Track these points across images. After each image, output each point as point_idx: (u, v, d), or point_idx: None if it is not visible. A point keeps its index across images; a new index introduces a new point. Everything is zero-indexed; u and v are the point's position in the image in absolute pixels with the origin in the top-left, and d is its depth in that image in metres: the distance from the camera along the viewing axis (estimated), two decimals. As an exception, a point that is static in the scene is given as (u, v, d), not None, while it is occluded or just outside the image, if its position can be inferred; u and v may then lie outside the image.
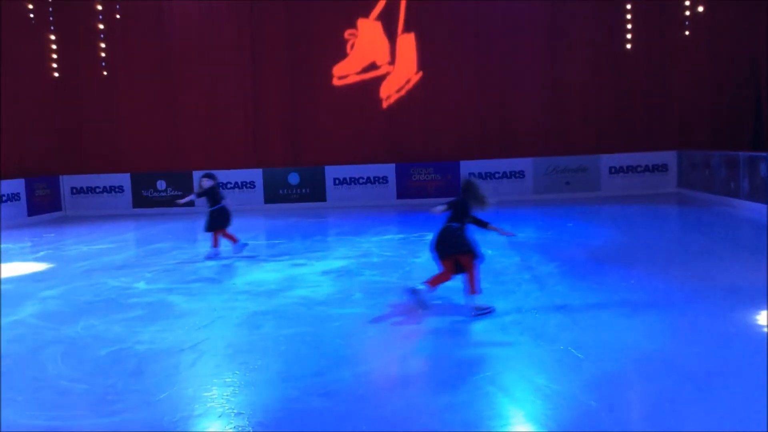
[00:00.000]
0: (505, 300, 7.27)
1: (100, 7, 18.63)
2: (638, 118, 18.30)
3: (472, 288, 6.61)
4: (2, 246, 12.82)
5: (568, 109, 18.49)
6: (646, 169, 17.96)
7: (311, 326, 6.56)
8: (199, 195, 10.76)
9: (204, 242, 12.63)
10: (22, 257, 11.83)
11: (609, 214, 14.56)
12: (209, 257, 10.49)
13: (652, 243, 10.93)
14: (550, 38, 18.51)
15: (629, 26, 18.22)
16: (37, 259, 11.64)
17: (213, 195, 10.55)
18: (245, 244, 10.71)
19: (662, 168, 17.94)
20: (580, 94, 18.47)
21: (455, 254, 6.63)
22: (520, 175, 18.17)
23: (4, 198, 15.88)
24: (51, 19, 18.30)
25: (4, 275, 9.84)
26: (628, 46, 18.27)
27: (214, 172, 11.13)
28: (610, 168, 17.99)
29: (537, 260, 9.40)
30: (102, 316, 7.28)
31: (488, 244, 10.84)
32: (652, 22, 18.14)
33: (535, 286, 7.90)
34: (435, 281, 6.79)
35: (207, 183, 10.57)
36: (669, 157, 17.91)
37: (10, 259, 11.39)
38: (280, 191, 18.54)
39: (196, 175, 18.43)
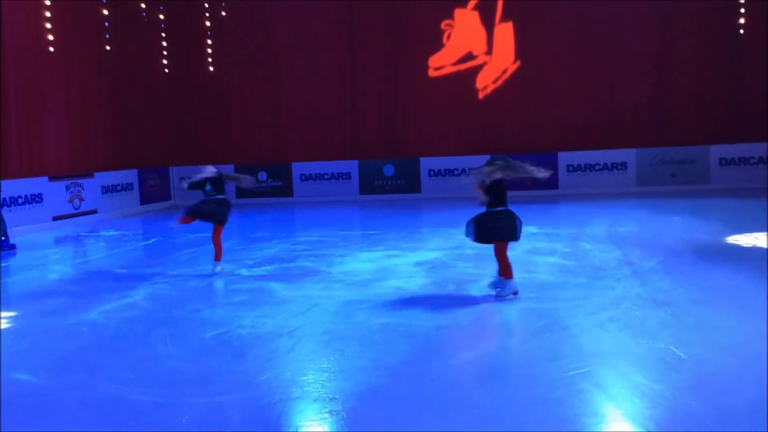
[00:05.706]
0: (604, 296, 7.07)
1: (207, 5, 19.46)
2: (751, 105, 17.17)
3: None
4: (117, 233, 13.75)
5: (675, 96, 17.63)
6: (760, 160, 16.89)
7: (404, 316, 6.63)
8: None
9: (301, 232, 13.00)
10: (135, 243, 12.59)
11: (719, 208, 13.83)
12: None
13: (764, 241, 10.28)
14: (656, 21, 17.71)
15: (743, 10, 17.15)
16: (148, 246, 12.36)
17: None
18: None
19: (779, 159, 16.85)
20: (687, 81, 17.57)
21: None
22: (623, 166, 17.54)
23: (119, 187, 17.09)
24: (162, 18, 19.25)
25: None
26: (742, 31, 17.21)
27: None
28: (721, 159, 17.05)
29: (639, 255, 9.07)
30: (207, 301, 7.67)
31: (587, 238, 10.60)
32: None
33: (636, 281, 7.63)
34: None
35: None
36: (786, 147, 16.79)
37: (123, 245, 12.15)
38: (375, 182, 18.75)
39: (296, 167, 19.01)
